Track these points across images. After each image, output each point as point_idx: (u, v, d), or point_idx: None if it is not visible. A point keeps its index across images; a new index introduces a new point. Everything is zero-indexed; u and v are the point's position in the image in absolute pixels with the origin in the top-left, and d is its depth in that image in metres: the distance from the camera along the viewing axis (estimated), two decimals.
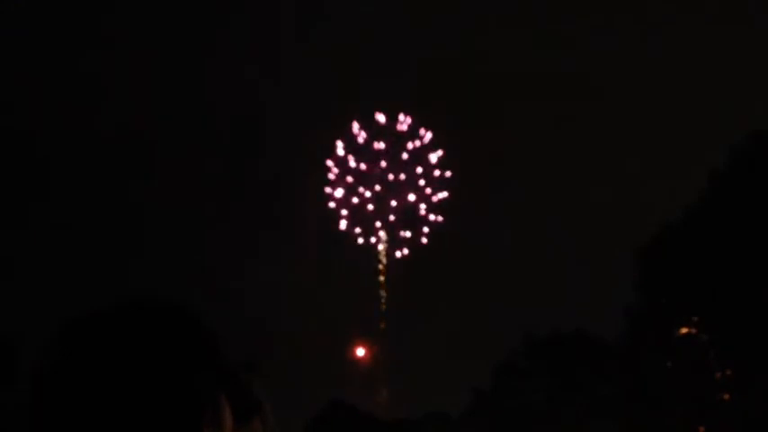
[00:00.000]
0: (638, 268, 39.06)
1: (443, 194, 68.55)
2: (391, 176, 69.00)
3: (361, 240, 68.75)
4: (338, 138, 69.03)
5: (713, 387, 36.58)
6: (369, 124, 68.94)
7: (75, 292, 65.93)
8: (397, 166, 69.24)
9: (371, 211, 68.95)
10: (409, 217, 69.08)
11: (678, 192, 50.85)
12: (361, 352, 65.05)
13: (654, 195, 63.75)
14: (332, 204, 68.30)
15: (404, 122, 68.59)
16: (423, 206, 68.97)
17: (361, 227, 68.76)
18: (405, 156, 68.90)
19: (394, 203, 69.44)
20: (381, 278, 68.73)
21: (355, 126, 68.56)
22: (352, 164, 68.45)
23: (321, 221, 70.34)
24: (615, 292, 44.99)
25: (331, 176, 68.26)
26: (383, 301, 67.99)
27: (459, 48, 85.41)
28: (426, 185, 68.84)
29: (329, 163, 68.36)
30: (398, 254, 69.07)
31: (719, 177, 37.18)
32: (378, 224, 69.11)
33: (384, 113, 68.65)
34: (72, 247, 72.48)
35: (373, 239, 69.07)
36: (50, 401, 1.80)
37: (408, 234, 68.72)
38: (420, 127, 68.89)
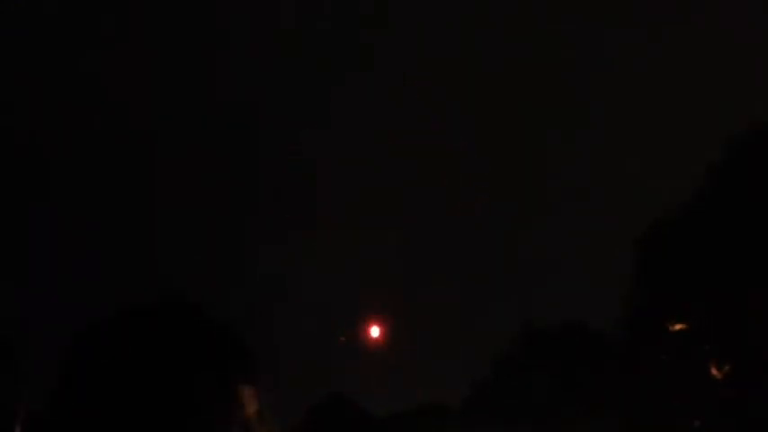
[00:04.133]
0: (634, 260, 39.11)
1: None
2: None
3: None
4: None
5: (710, 382, 36.60)
6: None
7: (74, 292, 65.89)
8: None
9: None
10: None
11: (678, 190, 50.75)
12: (375, 332, 64.85)
13: (654, 193, 63.73)
14: None
15: None
16: None
17: None
18: None
19: None
20: None
21: None
22: None
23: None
24: (615, 287, 45.00)
25: None
26: None
27: (459, 48, 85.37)
28: None
29: None
30: None
31: (717, 170, 37.22)
32: None
33: None
34: (72, 246, 72.45)
35: None
36: (80, 385, 1.85)
37: None
38: None
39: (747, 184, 36.03)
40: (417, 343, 65.38)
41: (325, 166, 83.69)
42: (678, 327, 37.52)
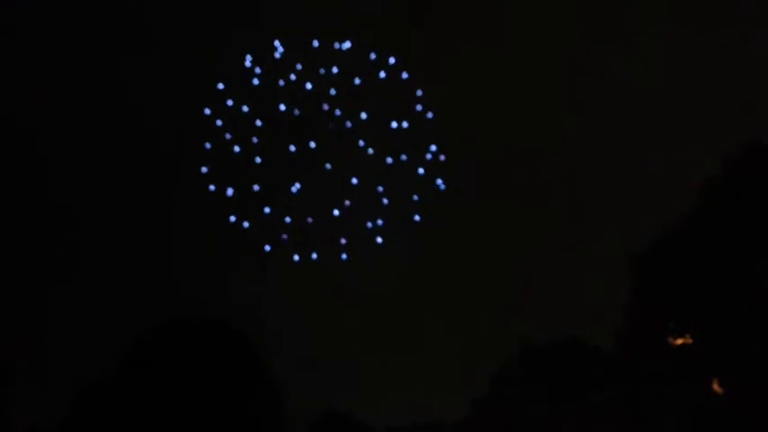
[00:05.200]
0: (634, 273, 38.97)
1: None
2: None
3: None
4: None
5: (711, 398, 36.48)
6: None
7: (74, 296, 65.93)
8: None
9: None
10: None
11: (679, 202, 50.84)
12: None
13: (656, 203, 63.60)
14: None
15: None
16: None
17: None
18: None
19: None
20: None
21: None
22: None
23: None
24: (613, 301, 44.82)
25: None
26: None
27: (458, 47, 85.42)
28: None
29: None
30: None
31: (717, 181, 37.09)
32: None
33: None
34: (71, 248, 72.48)
35: None
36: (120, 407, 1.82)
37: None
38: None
39: (748, 196, 35.92)
40: (416, 358, 65.34)
41: None
42: (680, 341, 37.47)
